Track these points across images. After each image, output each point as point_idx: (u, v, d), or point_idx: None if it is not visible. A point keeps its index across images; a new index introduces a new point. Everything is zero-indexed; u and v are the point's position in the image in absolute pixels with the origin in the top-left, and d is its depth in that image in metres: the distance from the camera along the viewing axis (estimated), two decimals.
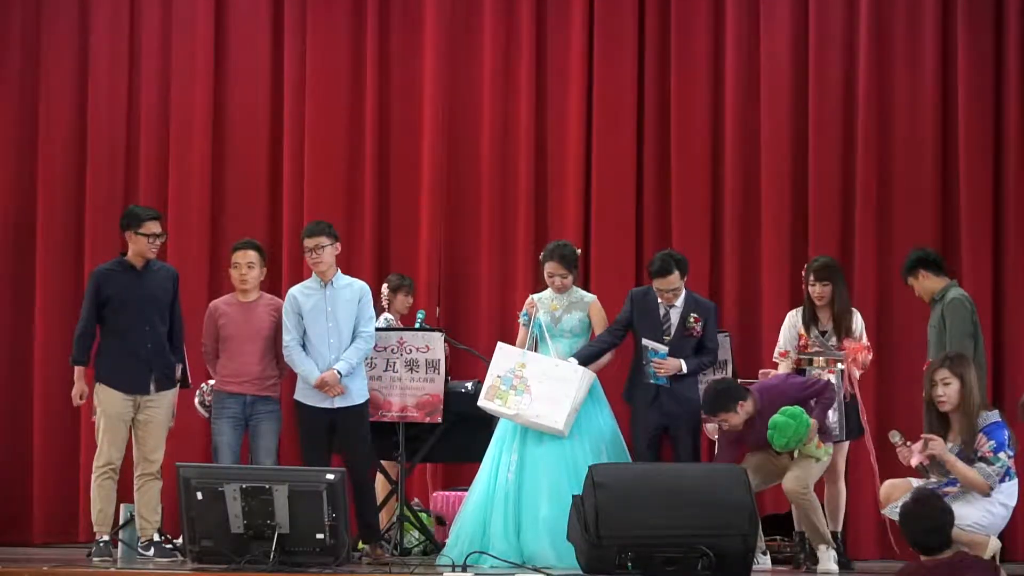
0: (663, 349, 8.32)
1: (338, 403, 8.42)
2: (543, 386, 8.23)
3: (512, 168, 10.38)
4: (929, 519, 6.28)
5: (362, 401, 8.52)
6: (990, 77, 9.95)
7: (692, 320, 8.39)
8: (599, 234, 10.21)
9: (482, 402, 8.36)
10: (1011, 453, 7.58)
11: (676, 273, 8.34)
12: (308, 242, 8.51)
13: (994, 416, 7.60)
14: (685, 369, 8.34)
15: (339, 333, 8.46)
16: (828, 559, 8.21)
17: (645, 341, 8.36)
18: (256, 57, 10.62)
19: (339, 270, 8.61)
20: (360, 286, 8.61)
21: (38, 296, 10.48)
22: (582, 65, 10.34)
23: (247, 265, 8.73)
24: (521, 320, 8.56)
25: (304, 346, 8.47)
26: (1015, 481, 7.58)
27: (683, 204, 10.18)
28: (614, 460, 8.23)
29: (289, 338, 8.50)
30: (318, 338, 8.46)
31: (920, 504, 6.45)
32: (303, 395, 8.50)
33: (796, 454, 8.17)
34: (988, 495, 7.47)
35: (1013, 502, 7.60)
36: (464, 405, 8.87)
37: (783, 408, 8.04)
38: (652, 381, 8.34)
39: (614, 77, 10.30)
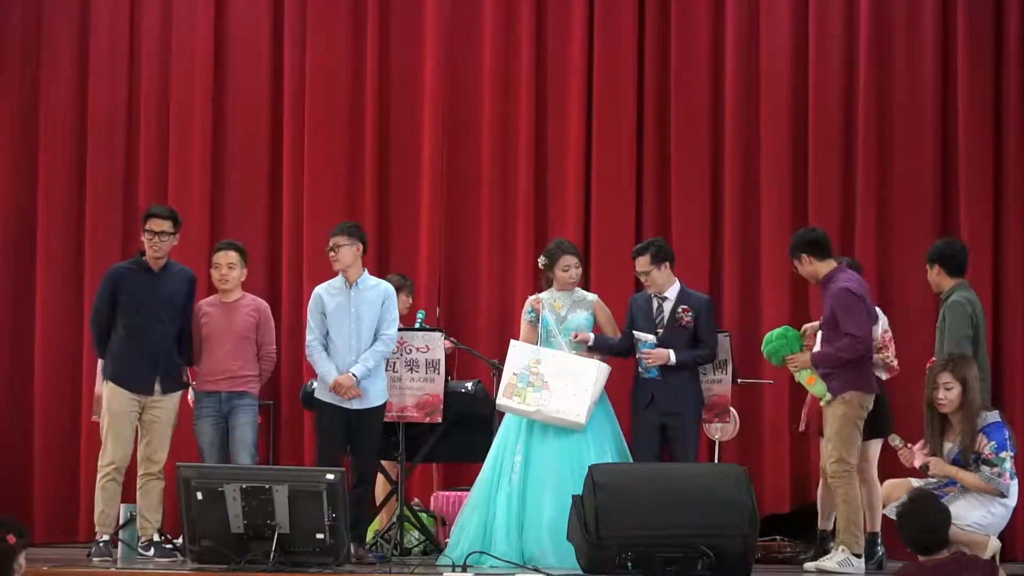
0: (650, 339, 8.36)
1: (357, 404, 8.43)
2: (561, 381, 8.26)
3: (512, 167, 10.38)
4: (925, 518, 6.28)
5: (381, 403, 8.53)
6: (990, 76, 9.95)
7: (681, 311, 8.43)
8: (599, 234, 10.21)
9: (500, 400, 8.35)
10: (1012, 452, 7.59)
11: (646, 257, 8.47)
12: (330, 241, 8.54)
13: (993, 416, 7.61)
14: (673, 360, 8.36)
15: (360, 334, 8.44)
16: (832, 558, 8.23)
17: (635, 332, 8.41)
18: (256, 57, 10.61)
19: (365, 271, 8.58)
20: (385, 288, 8.60)
21: (38, 296, 10.48)
22: (582, 65, 10.33)
23: (227, 266, 8.77)
24: (527, 318, 8.54)
25: (326, 346, 8.48)
26: (1015, 481, 7.58)
27: (683, 204, 10.18)
28: (618, 460, 8.26)
29: (312, 337, 8.49)
30: (340, 339, 8.44)
31: (916, 504, 6.46)
32: (323, 394, 8.49)
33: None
34: (1005, 496, 7.51)
35: (1014, 502, 7.61)
36: (464, 405, 8.87)
37: (788, 326, 8.38)
38: (644, 374, 8.38)
39: (614, 77, 10.29)
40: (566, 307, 8.52)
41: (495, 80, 10.41)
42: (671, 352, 8.37)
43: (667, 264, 8.54)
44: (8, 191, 10.61)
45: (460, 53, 10.50)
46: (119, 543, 8.68)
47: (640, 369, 8.43)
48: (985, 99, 9.92)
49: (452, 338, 9.29)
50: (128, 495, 8.71)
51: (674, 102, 10.23)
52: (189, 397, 9.01)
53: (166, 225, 8.55)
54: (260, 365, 8.82)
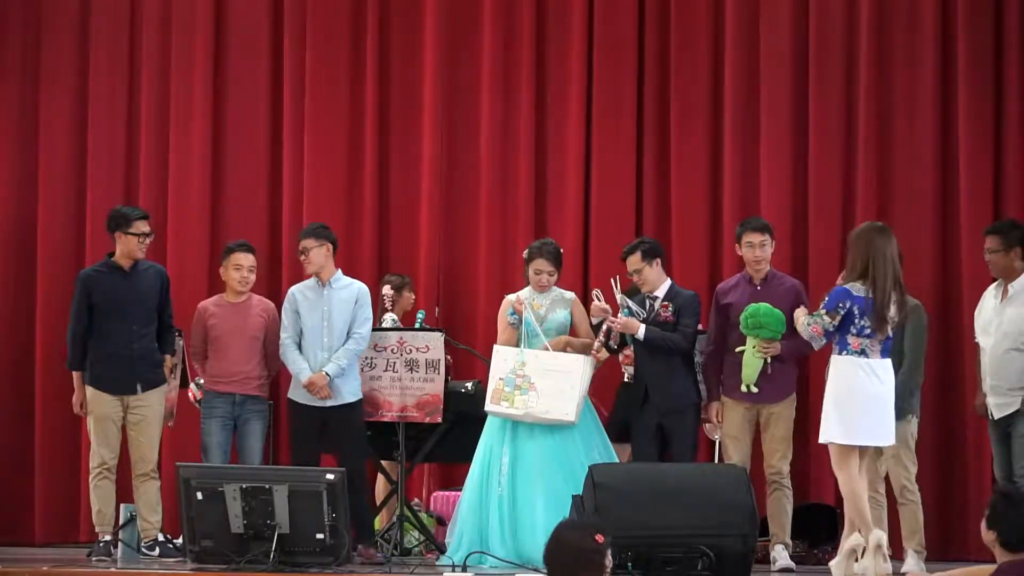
0: (633, 307, 8.41)
1: (329, 402, 8.47)
2: (547, 381, 8.28)
3: (512, 168, 10.37)
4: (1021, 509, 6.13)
5: (353, 400, 8.56)
6: (990, 78, 9.93)
7: (660, 307, 8.48)
8: (599, 234, 10.21)
9: (489, 407, 8.37)
10: (838, 316, 7.58)
11: (637, 255, 8.56)
12: (299, 245, 8.64)
13: (850, 285, 7.65)
14: (641, 334, 8.38)
15: (332, 333, 8.52)
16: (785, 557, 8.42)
17: (621, 297, 8.46)
18: (256, 57, 10.61)
19: (339, 271, 8.70)
20: (359, 287, 8.68)
21: (39, 296, 10.47)
22: (582, 65, 10.33)
23: (249, 268, 8.84)
24: (509, 320, 8.56)
25: (300, 345, 8.53)
26: (848, 356, 7.61)
27: (683, 204, 10.17)
28: (603, 455, 8.30)
29: (285, 336, 8.60)
30: (312, 337, 8.54)
31: (1011, 496, 6.30)
32: (295, 393, 8.59)
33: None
34: (811, 342, 7.70)
35: (843, 385, 7.61)
36: (464, 405, 8.88)
37: (781, 312, 8.36)
38: (625, 373, 8.50)
39: (614, 77, 10.29)
40: (545, 306, 8.55)
41: (495, 80, 10.40)
42: (642, 327, 8.41)
43: (658, 261, 8.58)
44: (8, 192, 10.61)
45: (460, 53, 10.49)
46: (119, 543, 8.69)
47: (624, 370, 8.53)
48: (985, 97, 9.90)
49: (450, 339, 9.32)
50: (129, 495, 8.72)
51: (674, 101, 10.23)
52: (191, 394, 9.01)
53: (149, 227, 8.61)
54: (267, 364, 8.86)
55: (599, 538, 4.87)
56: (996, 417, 8.28)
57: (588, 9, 10.34)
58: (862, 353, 7.57)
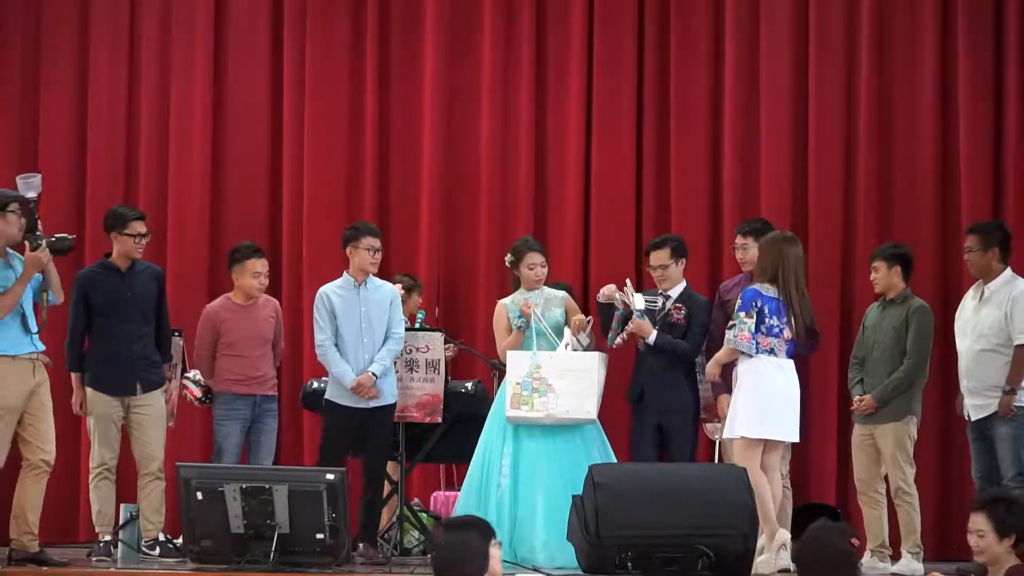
0: (641, 308, 8.40)
1: (371, 403, 8.46)
2: (564, 381, 8.28)
3: (512, 168, 10.37)
4: None
5: (392, 401, 8.56)
6: (990, 78, 9.93)
7: (673, 308, 8.47)
8: (599, 234, 10.21)
9: (510, 413, 8.35)
10: (754, 318, 7.83)
11: (666, 250, 8.57)
12: (375, 242, 8.56)
13: (760, 285, 7.92)
14: (652, 339, 8.39)
15: (372, 334, 8.49)
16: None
17: (628, 289, 8.45)
18: (256, 57, 10.61)
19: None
20: (391, 288, 8.72)
21: None
22: (582, 65, 10.33)
23: (266, 274, 8.98)
24: (517, 323, 8.55)
25: (336, 346, 8.50)
26: (772, 357, 7.87)
27: (683, 205, 10.17)
28: (601, 454, 8.31)
29: (323, 337, 8.50)
30: (351, 338, 8.48)
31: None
32: (336, 395, 8.50)
33: None
34: (748, 355, 7.85)
35: (760, 379, 7.85)
36: (464, 405, 8.88)
37: None
38: (610, 342, 8.48)
39: (614, 77, 10.29)
40: (540, 306, 8.56)
41: (495, 81, 10.40)
42: (654, 332, 8.42)
43: (683, 261, 8.59)
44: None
45: (460, 53, 10.49)
46: (119, 543, 8.69)
47: (610, 336, 8.50)
48: (985, 98, 9.90)
49: (457, 341, 9.31)
50: (129, 495, 8.72)
51: (674, 102, 10.23)
52: (190, 393, 8.99)
53: (145, 227, 8.62)
54: (276, 364, 8.91)
55: (854, 541, 4.94)
56: (973, 419, 8.33)
57: (588, 9, 10.34)
58: (771, 352, 7.89)
